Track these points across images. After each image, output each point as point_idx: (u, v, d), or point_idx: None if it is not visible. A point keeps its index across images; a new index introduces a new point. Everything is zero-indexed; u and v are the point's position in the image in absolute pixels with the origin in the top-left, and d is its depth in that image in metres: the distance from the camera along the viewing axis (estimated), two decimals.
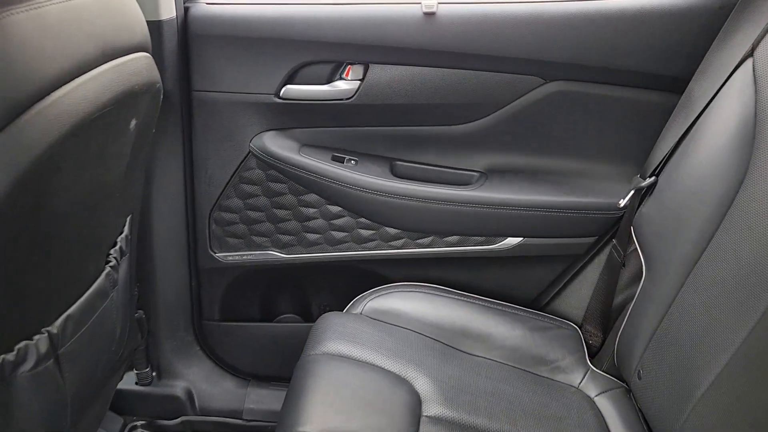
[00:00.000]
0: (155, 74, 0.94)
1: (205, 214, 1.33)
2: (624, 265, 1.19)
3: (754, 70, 0.93)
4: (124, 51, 0.84)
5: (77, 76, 0.73)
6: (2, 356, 0.77)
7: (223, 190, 1.31)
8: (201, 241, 1.36)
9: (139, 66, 0.88)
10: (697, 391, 0.85)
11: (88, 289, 0.96)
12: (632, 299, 1.13)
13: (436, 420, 0.96)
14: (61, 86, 0.70)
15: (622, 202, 1.18)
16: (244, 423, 1.47)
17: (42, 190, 0.71)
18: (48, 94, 0.67)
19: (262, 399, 1.48)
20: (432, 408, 0.98)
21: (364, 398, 0.98)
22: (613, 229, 1.27)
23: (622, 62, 1.17)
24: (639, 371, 1.03)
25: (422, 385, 1.03)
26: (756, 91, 0.89)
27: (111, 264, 1.03)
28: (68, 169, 0.76)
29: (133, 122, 0.92)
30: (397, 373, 1.04)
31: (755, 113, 0.87)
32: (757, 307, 0.78)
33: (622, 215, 1.21)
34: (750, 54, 0.96)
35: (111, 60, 0.80)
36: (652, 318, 1.02)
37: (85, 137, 0.77)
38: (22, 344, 0.81)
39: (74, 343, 0.93)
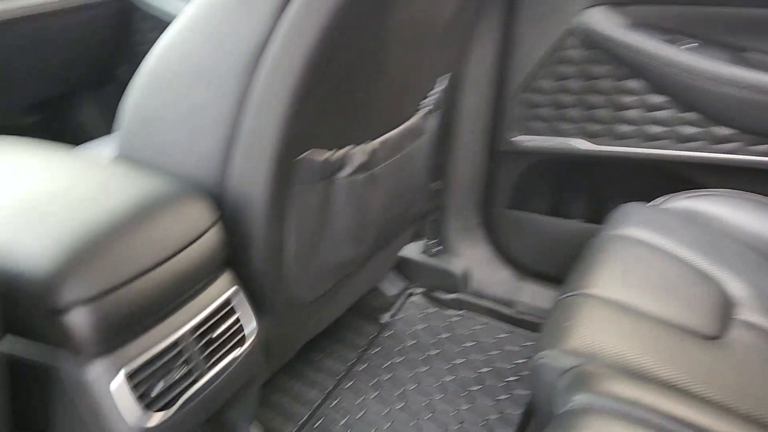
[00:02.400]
0: None
1: (512, 94, 1.31)
2: None
3: None
4: None
5: None
6: (330, 153, 0.86)
7: (536, 70, 1.27)
8: (503, 123, 1.34)
9: None
10: None
11: (402, 123, 1.02)
12: None
13: (751, 326, 0.82)
14: None
15: None
16: (514, 314, 1.46)
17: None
18: None
19: (536, 295, 1.45)
20: (747, 313, 0.84)
21: (661, 283, 0.87)
22: None
23: None
24: None
25: (736, 288, 0.88)
26: None
27: (424, 109, 1.08)
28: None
29: None
30: (705, 271, 0.91)
31: None
32: None
33: None
34: None
35: None
36: None
37: None
38: (345, 149, 0.89)
39: (386, 167, 1.00)
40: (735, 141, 1.12)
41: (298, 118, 0.76)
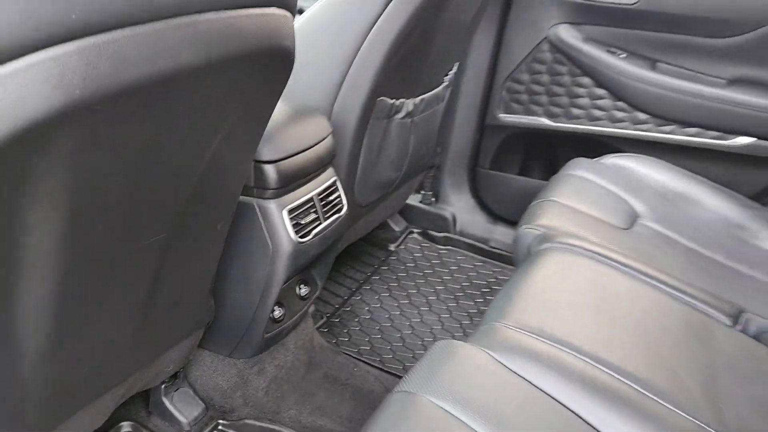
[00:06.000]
0: None
1: (500, 82, 1.81)
2: None
3: None
4: None
5: None
6: (393, 101, 1.34)
7: (517, 66, 1.77)
8: (492, 103, 1.84)
9: None
10: None
11: (434, 89, 1.51)
12: None
13: (646, 227, 1.33)
14: None
15: None
16: (489, 248, 1.96)
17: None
18: None
19: (505, 235, 1.95)
20: (645, 220, 1.36)
21: (594, 198, 1.38)
22: None
23: None
24: None
25: (638, 206, 1.39)
26: None
27: (445, 84, 1.57)
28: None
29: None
30: (621, 195, 1.42)
31: None
32: None
33: None
34: None
35: None
36: None
37: None
38: (401, 100, 1.37)
39: (421, 118, 1.48)
40: (648, 123, 1.65)
41: (383, 73, 1.23)
